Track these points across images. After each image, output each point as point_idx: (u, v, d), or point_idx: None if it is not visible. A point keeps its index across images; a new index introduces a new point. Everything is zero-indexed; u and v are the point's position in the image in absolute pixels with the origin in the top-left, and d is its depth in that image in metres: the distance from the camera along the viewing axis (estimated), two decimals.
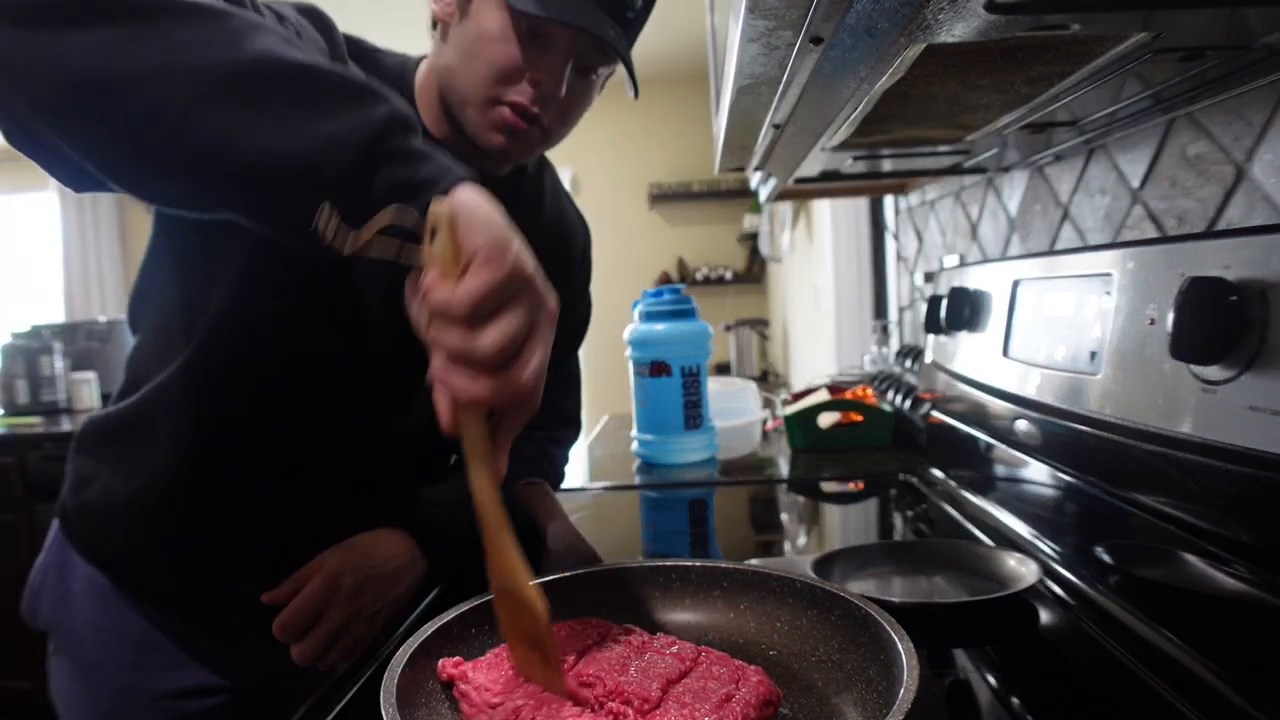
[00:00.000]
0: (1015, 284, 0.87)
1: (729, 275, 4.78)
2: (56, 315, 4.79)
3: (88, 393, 3.10)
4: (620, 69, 0.77)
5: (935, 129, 0.88)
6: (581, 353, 1.07)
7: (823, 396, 1.40)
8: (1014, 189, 1.20)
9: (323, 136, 0.45)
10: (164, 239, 0.75)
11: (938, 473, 1.11)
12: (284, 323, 0.72)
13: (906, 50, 0.55)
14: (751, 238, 4.63)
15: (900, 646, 0.44)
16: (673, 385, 1.32)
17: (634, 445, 1.40)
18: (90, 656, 0.76)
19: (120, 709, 0.75)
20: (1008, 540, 0.82)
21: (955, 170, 1.19)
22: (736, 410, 1.58)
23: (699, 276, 4.79)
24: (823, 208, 2.41)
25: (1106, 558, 0.66)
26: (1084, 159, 0.98)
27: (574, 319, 1.01)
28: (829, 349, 2.37)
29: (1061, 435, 0.73)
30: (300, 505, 0.77)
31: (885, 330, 1.86)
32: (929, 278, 1.54)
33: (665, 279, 4.78)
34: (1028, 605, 0.66)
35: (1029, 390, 0.80)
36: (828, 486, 1.16)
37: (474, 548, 0.51)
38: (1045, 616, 0.65)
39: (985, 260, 1.26)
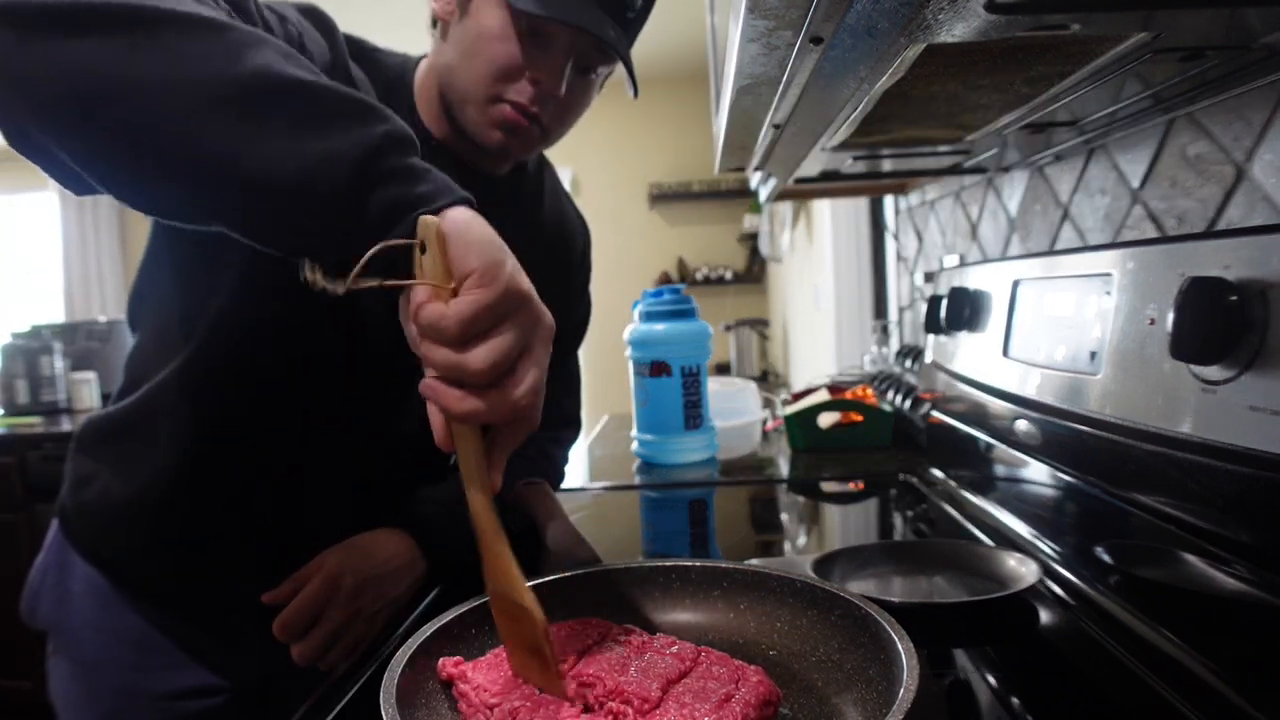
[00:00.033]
0: (1015, 284, 0.87)
1: (729, 275, 4.78)
2: (56, 315, 4.79)
3: (88, 393, 3.10)
4: (620, 68, 0.77)
5: (935, 129, 0.88)
6: (581, 353, 1.07)
7: (823, 396, 1.40)
8: (1014, 189, 1.20)
9: (318, 154, 0.45)
10: (163, 240, 0.75)
11: (938, 473, 1.11)
12: (283, 323, 0.72)
13: (906, 50, 0.55)
14: (751, 238, 4.63)
15: (900, 646, 0.44)
16: (673, 385, 1.32)
17: (634, 445, 1.40)
18: (89, 657, 0.76)
19: (119, 709, 0.75)
20: (1008, 540, 0.82)
21: (955, 170, 1.19)
22: (736, 410, 1.58)
23: (699, 276, 4.79)
24: (823, 208, 2.41)
25: (1106, 558, 0.66)
26: (1084, 159, 0.98)
27: (574, 319, 1.01)
28: (829, 349, 2.37)
29: (1061, 435, 0.73)
30: (300, 505, 0.77)
31: (885, 330, 1.86)
32: (929, 278, 1.54)
33: (665, 279, 4.78)
34: (1028, 605, 0.66)
35: (1029, 390, 0.80)
36: (828, 486, 1.16)
37: (474, 548, 0.51)
38: (1045, 616, 0.64)
39: (985, 260, 1.26)
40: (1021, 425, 0.81)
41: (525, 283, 0.47)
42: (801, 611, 0.54)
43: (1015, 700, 0.53)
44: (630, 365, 1.37)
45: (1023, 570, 0.68)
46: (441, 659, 0.50)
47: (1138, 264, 0.62)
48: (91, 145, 0.45)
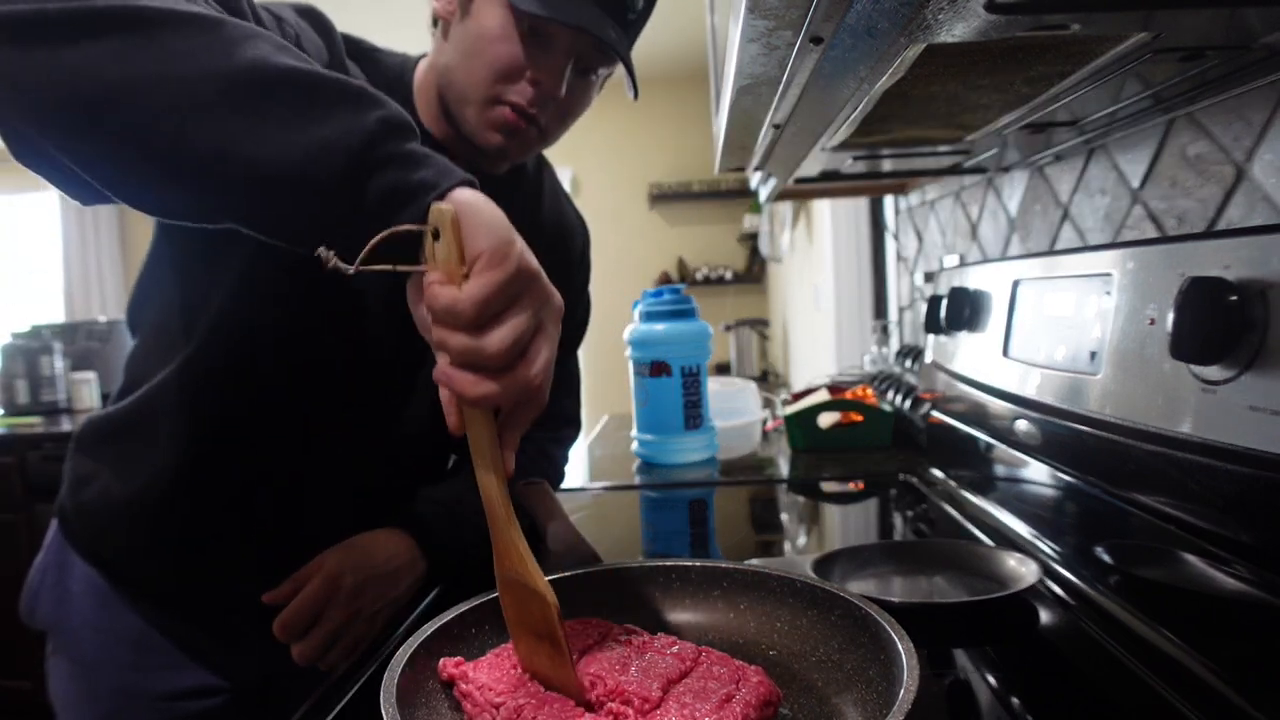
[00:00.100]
0: (1015, 284, 0.87)
1: (729, 275, 4.78)
2: (56, 315, 4.79)
3: (88, 393, 3.10)
4: (620, 69, 0.77)
5: (935, 129, 0.88)
6: (581, 353, 1.07)
7: (823, 396, 1.40)
8: (1014, 189, 1.20)
9: (316, 142, 0.45)
10: (165, 242, 0.75)
11: (938, 473, 1.11)
12: (284, 327, 0.72)
13: (906, 50, 0.55)
14: (751, 238, 4.63)
15: (900, 646, 0.44)
16: (673, 385, 1.32)
17: (634, 445, 1.40)
18: (89, 657, 0.76)
19: (119, 709, 0.75)
20: (1008, 540, 0.82)
21: (955, 170, 1.19)
22: (736, 410, 1.58)
23: (699, 276, 4.79)
24: (823, 208, 2.41)
25: (1106, 558, 0.66)
26: (1084, 159, 0.98)
27: (573, 319, 1.01)
28: (829, 349, 2.37)
29: (1061, 435, 0.73)
30: (300, 510, 0.77)
31: (885, 330, 1.86)
32: (929, 278, 1.54)
33: (665, 279, 4.78)
34: (1028, 605, 0.66)
35: (1029, 390, 0.80)
36: (828, 486, 1.16)
37: (474, 548, 0.51)
38: (1045, 616, 0.64)
39: (985, 260, 1.26)
40: (1021, 425, 0.81)
41: (534, 261, 0.47)
42: (801, 611, 0.54)
43: (1015, 700, 0.53)
44: (630, 365, 1.37)
45: (1023, 570, 0.68)
46: (442, 659, 0.50)
47: (1138, 264, 0.62)
48: (94, 149, 0.46)
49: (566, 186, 0.95)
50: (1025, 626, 0.63)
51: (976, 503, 0.94)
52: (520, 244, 0.46)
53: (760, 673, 0.48)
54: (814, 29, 0.52)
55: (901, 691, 0.40)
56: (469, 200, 0.46)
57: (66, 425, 2.73)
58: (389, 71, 0.78)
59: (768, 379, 3.67)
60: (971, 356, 0.99)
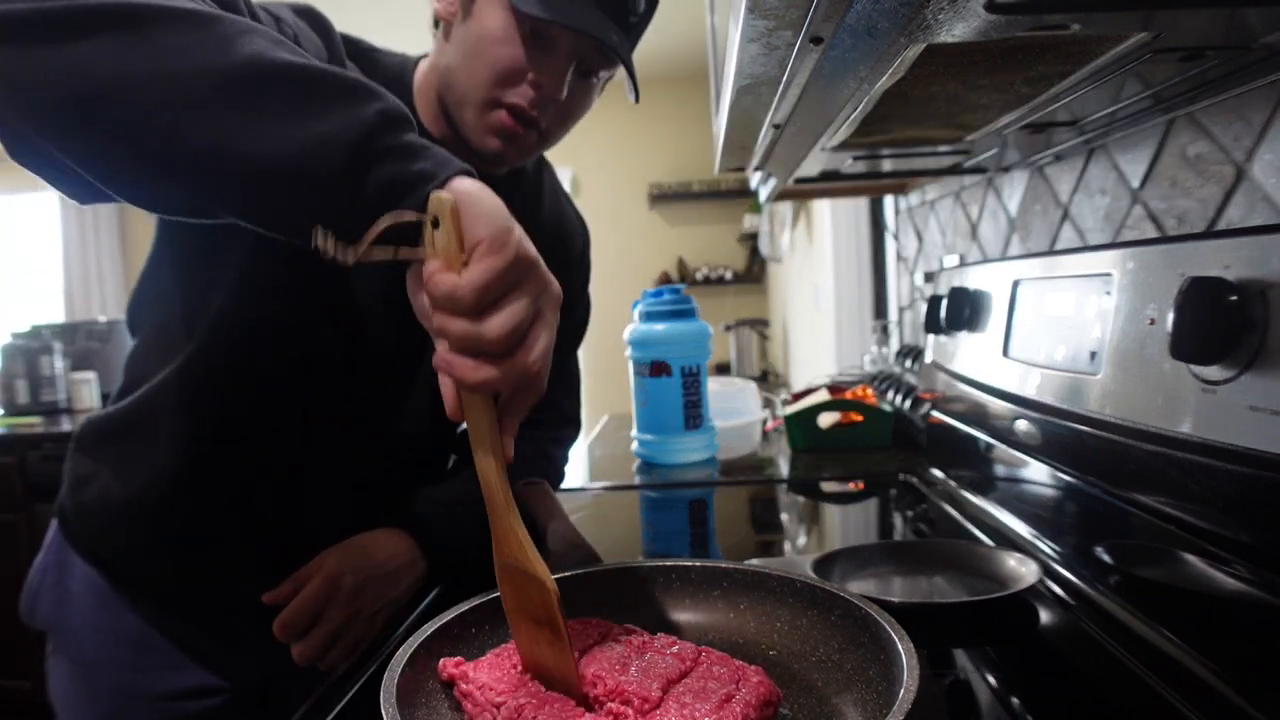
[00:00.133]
0: (1015, 284, 0.87)
1: (729, 275, 4.78)
2: (56, 315, 4.79)
3: (88, 393, 3.10)
4: (621, 72, 0.77)
5: (935, 129, 0.88)
6: (581, 353, 1.07)
7: (823, 396, 1.40)
8: (1014, 189, 1.20)
9: (313, 137, 0.45)
10: (165, 241, 0.75)
11: (938, 473, 1.11)
12: (284, 323, 0.72)
13: (906, 50, 0.55)
14: (751, 238, 4.63)
15: (900, 646, 0.44)
16: (673, 385, 1.32)
17: (634, 445, 1.40)
18: (89, 657, 0.76)
19: (119, 709, 0.75)
20: (1008, 540, 0.82)
21: (955, 170, 1.19)
22: (736, 410, 1.58)
23: (699, 276, 4.79)
24: (823, 208, 2.41)
25: (1106, 558, 0.66)
26: (1084, 159, 0.98)
27: (573, 319, 1.01)
28: (829, 349, 2.37)
29: (1061, 435, 0.73)
30: (300, 505, 0.77)
31: (885, 330, 1.86)
32: (929, 278, 1.54)
33: (665, 279, 4.78)
34: (1028, 605, 0.66)
35: (1029, 390, 0.80)
36: (828, 486, 1.16)
37: (474, 548, 0.51)
38: (1045, 616, 0.64)
39: (985, 260, 1.26)
40: (1021, 425, 0.81)
41: (533, 249, 0.47)
42: (801, 611, 0.54)
43: (1015, 700, 0.53)
44: (630, 365, 1.37)
45: (1023, 570, 0.68)
46: (442, 659, 0.50)
47: (1138, 264, 0.62)
48: (91, 146, 0.46)
49: (566, 186, 0.95)
50: (1025, 626, 0.63)
51: (976, 503, 0.94)
52: (519, 231, 0.46)
53: (760, 673, 0.48)
54: (814, 29, 0.52)
55: (901, 691, 0.40)
56: (468, 189, 0.46)
57: (66, 425, 2.73)
58: (388, 72, 0.78)
59: (768, 379, 3.67)
60: (971, 356, 0.99)
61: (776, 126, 0.82)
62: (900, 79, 0.62)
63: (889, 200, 1.98)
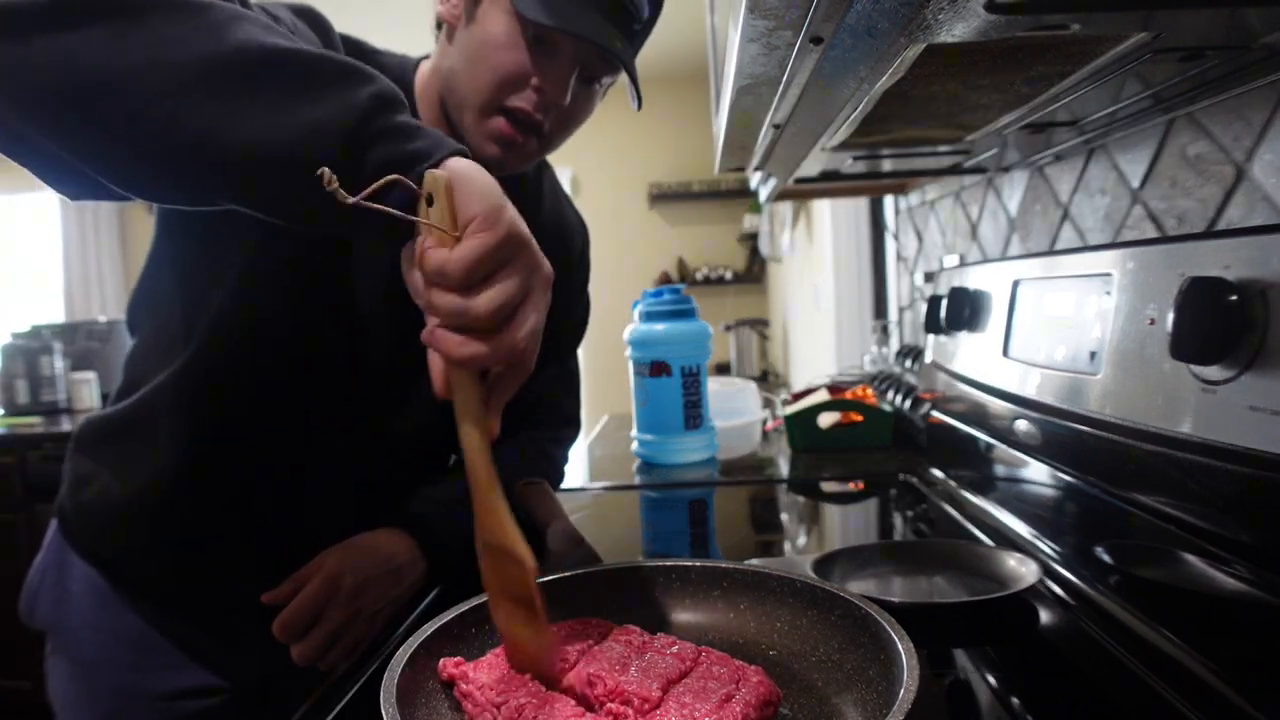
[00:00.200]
0: (1015, 284, 0.87)
1: (729, 275, 4.78)
2: (56, 315, 4.79)
3: (88, 393, 3.10)
4: (623, 77, 0.77)
5: (935, 129, 0.88)
6: (581, 353, 1.07)
7: (823, 396, 1.40)
8: (1014, 189, 1.20)
9: (309, 122, 0.45)
10: (165, 240, 0.75)
11: (938, 473, 1.11)
12: (284, 323, 0.72)
13: (906, 50, 0.55)
14: (751, 238, 4.63)
15: (900, 646, 0.44)
16: (673, 385, 1.32)
17: (634, 445, 1.40)
18: (88, 657, 0.76)
19: (118, 709, 0.75)
20: (1008, 540, 0.82)
21: (955, 170, 1.19)
22: (736, 410, 1.58)
23: (699, 276, 4.79)
24: (823, 208, 2.41)
25: (1106, 558, 0.66)
26: (1084, 159, 0.98)
27: (573, 319, 1.01)
28: (829, 349, 2.37)
29: (1061, 435, 0.73)
30: (300, 505, 0.77)
31: (885, 330, 1.86)
32: (929, 278, 1.54)
33: (665, 279, 4.78)
34: (1028, 605, 0.66)
35: (1029, 390, 0.80)
36: (828, 486, 1.16)
37: (474, 548, 0.51)
38: (1045, 616, 0.64)
39: (985, 260, 1.26)
40: (1021, 425, 0.81)
41: (525, 228, 0.47)
42: (801, 611, 0.54)
43: (1015, 700, 0.53)
44: (630, 365, 1.37)
45: (1023, 570, 0.68)
46: (442, 659, 0.50)
47: (1138, 264, 0.62)
48: (86, 137, 0.46)
49: (566, 186, 0.95)
50: (1025, 626, 0.63)
51: (976, 503, 0.94)
52: (511, 210, 0.47)
53: (760, 673, 0.48)
54: (814, 29, 0.52)
55: (901, 691, 0.40)
56: (462, 168, 0.47)
57: (66, 425, 2.73)
58: (388, 73, 0.77)
59: (768, 379, 3.67)
60: (971, 356, 0.99)
61: (776, 126, 0.82)
62: (900, 79, 0.62)
63: (889, 200, 1.98)
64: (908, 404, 1.38)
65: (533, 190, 0.92)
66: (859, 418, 1.35)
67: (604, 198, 4.83)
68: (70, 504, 0.78)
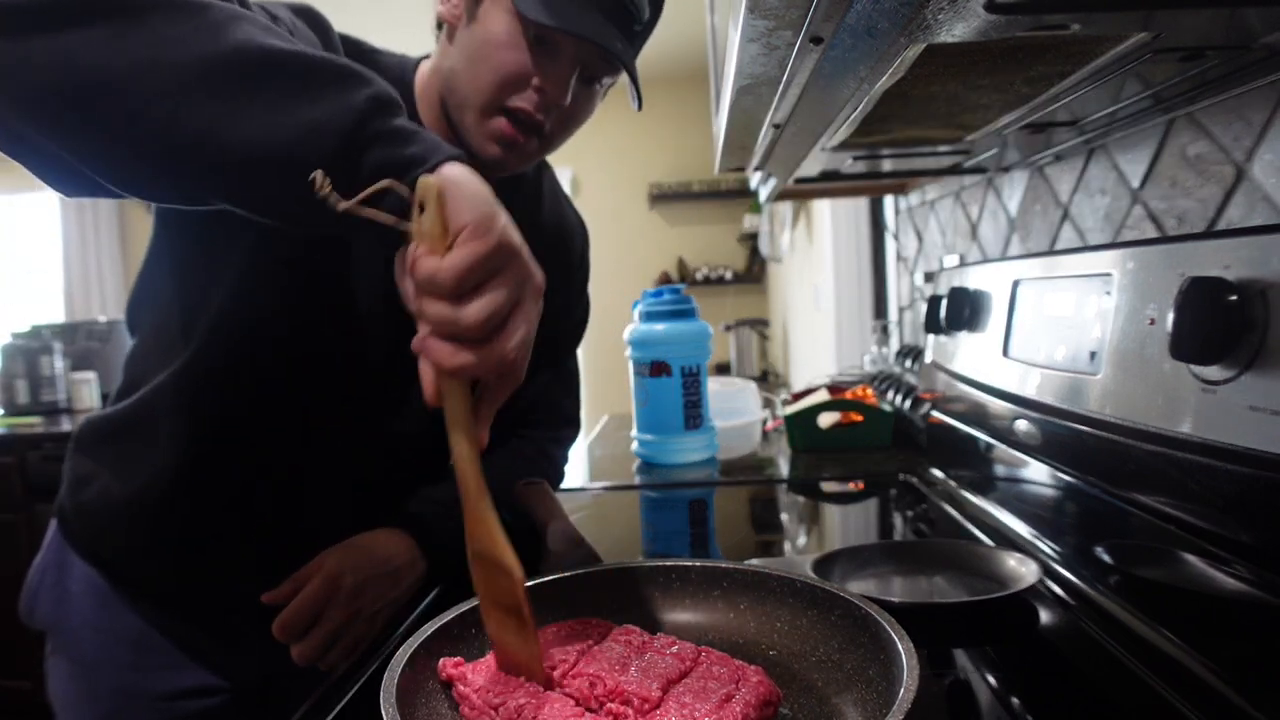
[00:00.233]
0: (1015, 284, 0.87)
1: (729, 275, 4.78)
2: (56, 315, 4.79)
3: (88, 393, 3.10)
4: (624, 79, 0.77)
5: (935, 129, 0.88)
6: (581, 353, 1.07)
7: (823, 396, 1.40)
8: (1014, 189, 1.20)
9: (306, 123, 0.45)
10: (164, 239, 0.75)
11: (938, 473, 1.11)
12: (284, 323, 0.72)
13: (906, 50, 0.55)
14: (751, 238, 4.63)
15: (900, 646, 0.44)
16: (673, 385, 1.32)
17: (634, 445, 1.40)
18: (88, 657, 0.76)
19: (118, 709, 0.75)
20: (1008, 540, 0.82)
21: (955, 170, 1.19)
22: (736, 410, 1.58)
23: (699, 276, 4.79)
24: (823, 208, 2.41)
25: (1106, 558, 0.66)
26: (1084, 159, 0.98)
27: (572, 319, 1.01)
28: (829, 349, 2.37)
29: (1061, 435, 0.73)
30: (300, 505, 0.77)
31: (885, 330, 1.86)
32: (929, 278, 1.54)
33: (665, 279, 4.78)
34: (1028, 605, 0.66)
35: (1029, 390, 0.80)
36: (828, 486, 1.16)
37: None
38: (1045, 616, 0.64)
39: (985, 260, 1.26)
40: (1021, 425, 0.81)
41: (517, 237, 0.47)
42: (801, 611, 0.54)
43: (1015, 700, 0.53)
44: (630, 365, 1.37)
45: (1023, 570, 0.68)
46: (442, 659, 0.50)
47: (1138, 264, 0.62)
48: (86, 137, 0.46)
49: (566, 187, 0.95)
50: (1025, 626, 0.63)
51: (976, 503, 0.94)
52: (504, 219, 0.47)
53: (760, 673, 0.48)
54: (814, 29, 0.52)
55: (901, 691, 0.40)
56: (456, 175, 0.47)
57: (66, 425, 2.73)
58: (388, 73, 0.78)
59: (768, 379, 3.67)
60: (971, 356, 0.99)
61: (776, 126, 0.81)
62: (900, 79, 0.62)
63: (889, 200, 1.98)
64: (908, 404, 1.38)
65: (532, 190, 0.92)
66: (859, 418, 1.35)
67: (604, 198, 4.83)
68: (70, 504, 0.78)
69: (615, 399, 3.00)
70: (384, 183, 0.45)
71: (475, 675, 0.49)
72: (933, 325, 1.08)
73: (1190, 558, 0.54)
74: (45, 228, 4.92)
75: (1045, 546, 0.77)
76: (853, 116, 0.75)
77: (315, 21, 0.70)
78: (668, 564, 0.60)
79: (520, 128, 0.73)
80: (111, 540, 0.76)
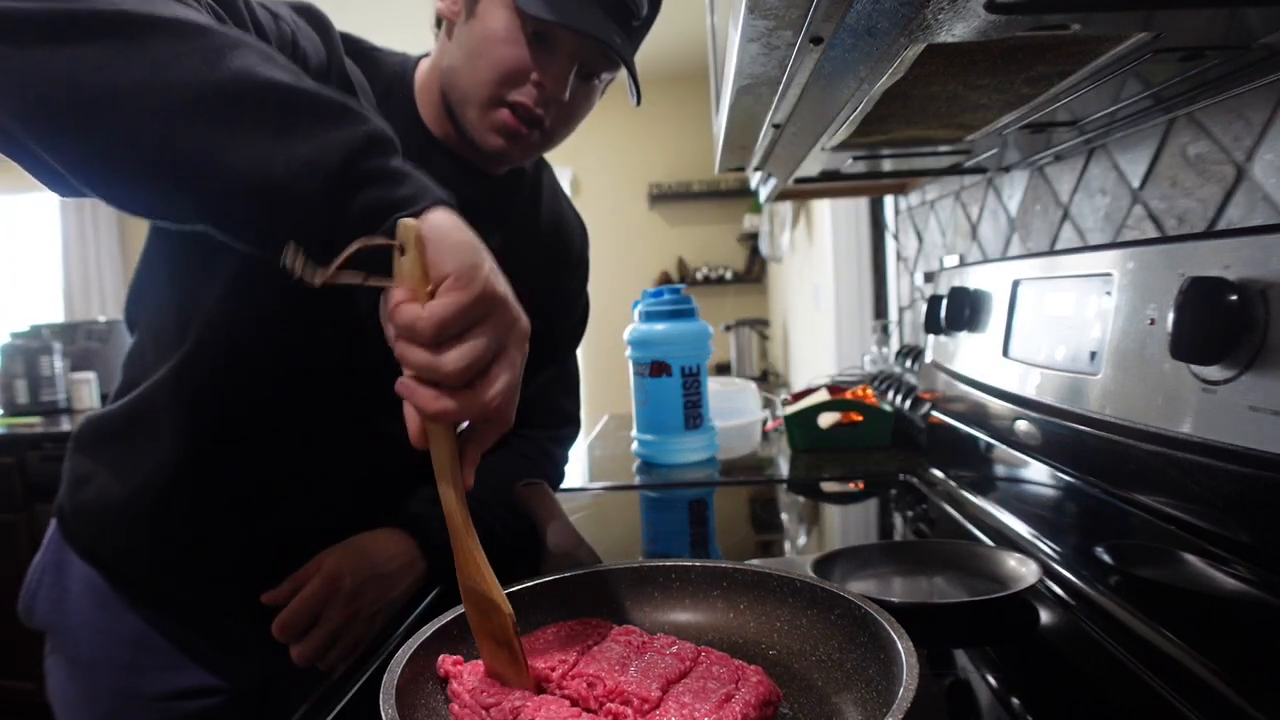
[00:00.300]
0: (1015, 284, 0.87)
1: (729, 275, 4.78)
2: (56, 315, 4.79)
3: (87, 393, 3.10)
4: (623, 74, 0.77)
5: (935, 129, 0.88)
6: (581, 353, 1.07)
7: (823, 396, 1.40)
8: (1014, 189, 1.20)
9: (299, 157, 0.45)
10: (160, 236, 0.75)
11: (938, 473, 1.11)
12: (281, 322, 0.72)
13: (906, 50, 0.55)
14: (751, 238, 4.63)
15: (900, 646, 0.44)
16: (673, 385, 1.32)
17: (634, 445, 1.40)
18: (86, 657, 0.76)
19: (117, 709, 0.75)
20: (1008, 540, 0.82)
21: (955, 170, 1.19)
22: (736, 410, 1.58)
23: (699, 276, 4.79)
24: (823, 208, 2.41)
25: (1106, 558, 0.66)
26: (1084, 159, 0.98)
27: (571, 319, 1.01)
28: (829, 349, 2.37)
29: (1061, 435, 0.73)
30: (300, 505, 0.77)
31: (885, 330, 1.86)
32: (929, 278, 1.54)
33: (665, 279, 4.78)
34: (1028, 605, 0.66)
35: (1029, 390, 0.80)
36: (828, 486, 1.16)
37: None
38: (1045, 616, 0.64)
39: (985, 260, 1.26)
40: (1021, 425, 0.81)
41: (501, 285, 0.47)
42: (801, 611, 0.54)
43: (1015, 700, 0.53)
44: (630, 365, 1.36)
45: (1023, 570, 0.68)
46: (441, 655, 0.50)
47: (1138, 264, 0.62)
48: (76, 151, 0.46)
49: (566, 187, 0.95)
50: (1025, 626, 0.63)
51: (976, 503, 0.94)
52: (488, 267, 0.47)
53: (760, 672, 0.48)
54: (814, 29, 0.52)
55: (901, 691, 0.40)
56: (439, 221, 0.46)
57: (66, 425, 2.73)
58: (389, 71, 0.78)
59: (768, 379, 3.67)
60: (971, 356, 0.99)
61: (776, 126, 0.82)
62: (900, 79, 0.62)
63: (889, 200, 1.98)
64: (908, 404, 1.38)
65: (532, 189, 0.92)
66: (859, 418, 1.35)
67: (604, 198, 4.83)
68: (69, 504, 0.77)
69: (615, 399, 2.99)
70: (356, 245, 0.45)
71: (470, 675, 0.49)
72: (933, 325, 1.08)
73: (1190, 558, 0.54)
74: (45, 228, 4.92)
75: (1045, 546, 0.77)
76: (853, 116, 0.75)
77: (316, 20, 0.70)
78: (668, 564, 0.60)
79: (522, 120, 0.73)
80: (110, 540, 0.76)
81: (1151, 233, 0.84)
